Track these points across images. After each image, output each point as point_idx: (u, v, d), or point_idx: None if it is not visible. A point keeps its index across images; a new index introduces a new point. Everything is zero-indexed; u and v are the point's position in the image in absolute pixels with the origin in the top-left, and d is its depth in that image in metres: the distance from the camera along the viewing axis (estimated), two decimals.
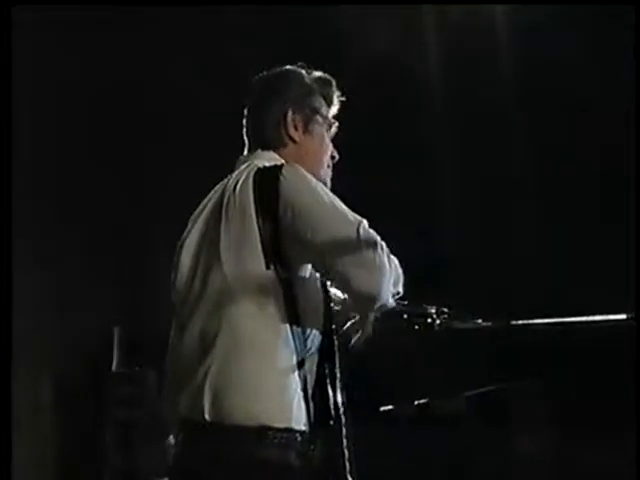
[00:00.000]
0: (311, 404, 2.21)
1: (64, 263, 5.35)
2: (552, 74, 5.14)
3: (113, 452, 5.32)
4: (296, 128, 2.41)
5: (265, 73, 2.52)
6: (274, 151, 2.39)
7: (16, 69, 3.58)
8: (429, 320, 2.30)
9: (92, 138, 5.42)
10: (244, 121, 2.48)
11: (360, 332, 2.38)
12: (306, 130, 2.43)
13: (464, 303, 2.32)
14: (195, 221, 2.32)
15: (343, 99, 2.51)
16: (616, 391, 4.29)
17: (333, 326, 2.29)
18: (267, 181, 2.20)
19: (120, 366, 5.47)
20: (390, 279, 2.17)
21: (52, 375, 5.43)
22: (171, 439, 2.26)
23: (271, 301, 2.17)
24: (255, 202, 2.18)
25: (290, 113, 2.40)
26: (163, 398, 2.32)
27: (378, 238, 2.17)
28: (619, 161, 4.67)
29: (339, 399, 2.25)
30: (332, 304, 2.30)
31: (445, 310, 2.31)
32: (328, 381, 2.25)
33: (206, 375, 2.15)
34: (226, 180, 2.31)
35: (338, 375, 2.27)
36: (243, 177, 2.24)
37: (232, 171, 2.35)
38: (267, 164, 2.29)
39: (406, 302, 2.28)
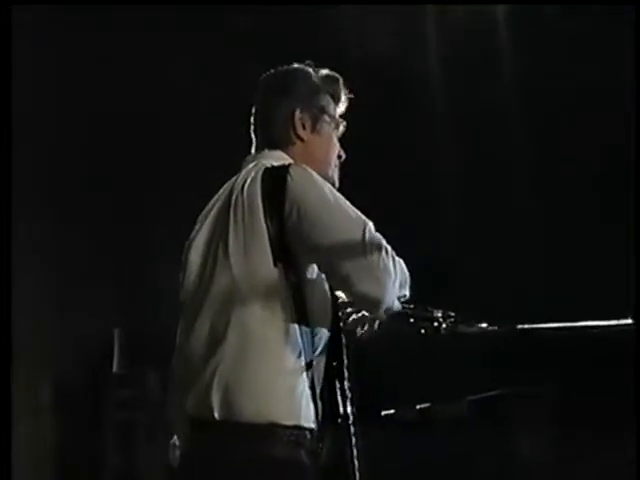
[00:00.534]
0: (319, 402, 2.22)
1: (64, 264, 5.34)
2: (552, 74, 5.14)
3: (113, 453, 5.32)
4: (304, 127, 2.41)
5: (272, 71, 2.51)
6: (282, 150, 2.38)
7: (16, 69, 3.58)
8: (435, 324, 2.29)
9: (92, 138, 5.41)
10: (251, 119, 2.48)
11: (364, 326, 2.39)
12: (314, 129, 2.42)
13: (464, 306, 2.32)
14: (203, 221, 2.32)
15: (350, 97, 2.51)
16: (616, 392, 4.29)
17: (341, 325, 2.30)
18: (275, 181, 2.20)
19: (120, 368, 5.46)
20: (395, 283, 2.16)
21: (52, 376, 5.43)
22: (175, 439, 2.26)
23: (279, 300, 2.16)
24: (263, 202, 2.18)
25: (298, 112, 2.40)
26: (169, 397, 2.32)
27: (384, 242, 2.17)
28: (619, 161, 4.67)
29: (347, 397, 2.25)
30: (340, 303, 2.30)
31: (451, 314, 2.31)
32: (336, 379, 2.25)
33: (214, 374, 2.15)
34: (234, 179, 2.30)
35: (346, 374, 2.27)
36: (251, 176, 2.24)
37: (239, 170, 2.35)
38: (275, 164, 2.28)
39: (412, 306, 2.28)
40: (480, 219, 5.20)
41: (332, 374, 2.26)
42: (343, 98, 2.50)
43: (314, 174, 2.23)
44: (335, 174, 2.47)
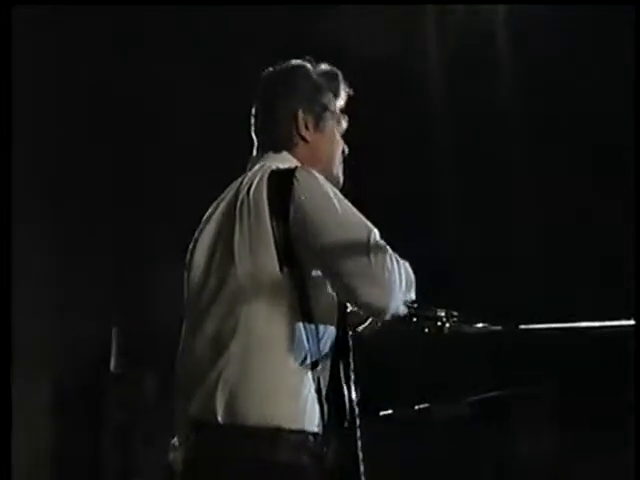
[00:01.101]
0: (325, 405, 2.21)
1: (62, 265, 5.34)
2: (551, 75, 5.14)
3: (111, 454, 5.30)
4: (307, 127, 2.41)
5: (271, 70, 2.51)
6: (286, 152, 2.38)
7: (16, 69, 3.57)
8: (439, 323, 2.29)
9: (91, 138, 5.41)
10: (252, 120, 2.47)
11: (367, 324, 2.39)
12: (317, 128, 2.42)
13: (462, 306, 2.32)
14: (208, 221, 2.32)
15: (350, 91, 2.51)
16: (616, 392, 4.29)
17: (347, 327, 2.29)
18: (281, 184, 2.20)
19: (118, 368, 5.45)
20: (400, 289, 2.16)
21: (50, 377, 5.42)
22: (175, 441, 2.25)
23: (285, 303, 2.16)
24: (269, 204, 2.17)
25: (300, 112, 2.40)
26: (176, 399, 2.31)
27: (388, 248, 2.15)
28: (620, 161, 4.67)
29: (353, 400, 2.25)
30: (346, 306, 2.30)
31: (455, 313, 2.31)
32: (343, 382, 2.25)
33: (219, 378, 2.14)
34: (239, 180, 2.30)
35: (352, 376, 2.27)
36: (257, 178, 2.23)
37: (241, 171, 2.35)
38: (281, 166, 2.28)
39: (416, 305, 2.28)
40: (480, 219, 5.20)
41: (338, 377, 2.25)
42: (343, 92, 2.50)
43: (320, 178, 2.22)
44: (339, 170, 2.47)
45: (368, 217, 2.21)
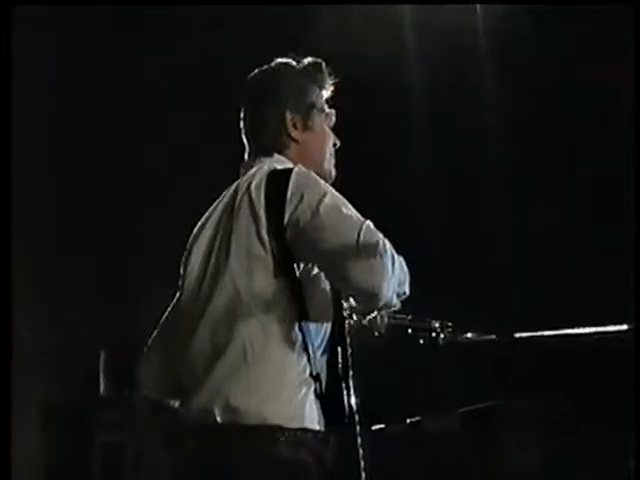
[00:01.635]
0: (325, 405, 2.23)
1: (51, 287, 5.32)
2: (551, 75, 5.14)
3: (101, 476, 5.25)
4: (295, 127, 2.42)
5: (256, 72, 2.51)
6: (278, 154, 2.39)
7: (16, 69, 3.57)
8: (433, 334, 2.29)
9: (86, 151, 5.38)
10: (241, 123, 2.48)
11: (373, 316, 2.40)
12: (306, 127, 2.43)
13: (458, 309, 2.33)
14: (203, 227, 2.34)
15: (336, 80, 2.51)
16: (614, 399, 4.28)
17: (345, 328, 2.30)
18: (278, 185, 2.22)
19: (108, 390, 5.42)
20: (392, 278, 2.16)
21: (39, 400, 5.38)
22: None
23: (282, 305, 2.18)
24: (266, 206, 2.20)
25: (288, 114, 2.41)
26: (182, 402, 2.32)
27: (381, 237, 2.17)
28: (618, 164, 4.66)
29: (352, 399, 2.26)
30: (343, 306, 2.31)
31: (449, 324, 2.31)
32: (341, 380, 2.26)
33: (218, 380, 2.16)
34: (236, 184, 2.32)
35: (350, 373, 2.27)
36: (255, 181, 2.26)
37: (237, 176, 2.36)
38: (279, 167, 2.31)
39: (410, 317, 2.28)
40: (469, 225, 5.19)
41: (337, 376, 2.26)
42: (328, 84, 2.50)
43: (316, 178, 2.25)
44: (331, 164, 2.49)
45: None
